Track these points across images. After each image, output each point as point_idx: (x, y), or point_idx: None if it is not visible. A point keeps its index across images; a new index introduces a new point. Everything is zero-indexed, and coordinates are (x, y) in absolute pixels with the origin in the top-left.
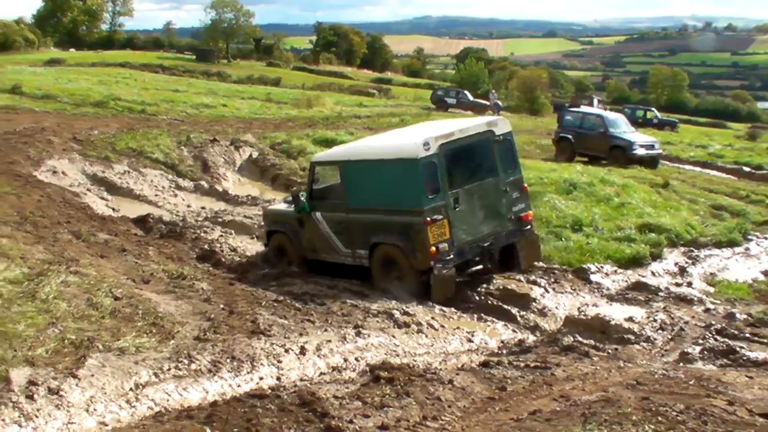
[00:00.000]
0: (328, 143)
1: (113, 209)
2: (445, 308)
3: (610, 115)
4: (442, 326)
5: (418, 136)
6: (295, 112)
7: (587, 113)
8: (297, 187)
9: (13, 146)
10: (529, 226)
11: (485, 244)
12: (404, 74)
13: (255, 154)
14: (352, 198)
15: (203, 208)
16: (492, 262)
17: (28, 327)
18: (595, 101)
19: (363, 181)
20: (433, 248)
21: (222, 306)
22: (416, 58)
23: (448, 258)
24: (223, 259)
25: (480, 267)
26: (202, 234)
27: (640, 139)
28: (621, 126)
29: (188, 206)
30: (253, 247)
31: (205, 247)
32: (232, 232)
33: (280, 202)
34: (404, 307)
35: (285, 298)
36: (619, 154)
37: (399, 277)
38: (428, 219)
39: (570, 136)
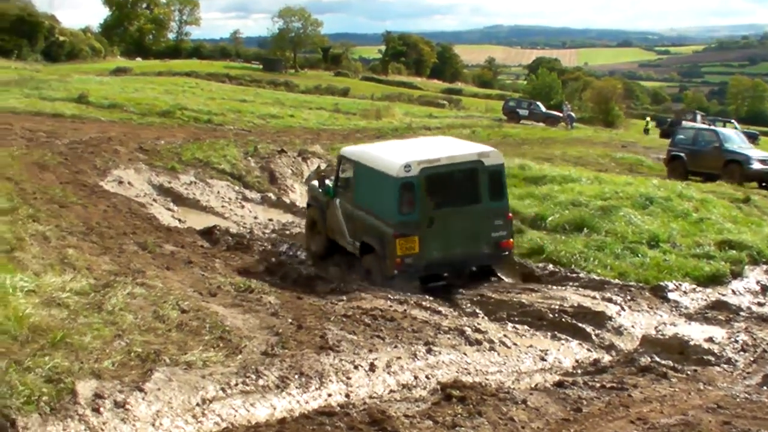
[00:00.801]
0: None
1: (179, 220)
2: (518, 325)
3: (725, 129)
4: (515, 344)
5: (407, 156)
6: (363, 123)
7: (700, 129)
8: (327, 172)
9: (79, 156)
10: (507, 252)
11: (456, 263)
12: (475, 85)
13: (323, 166)
14: (358, 195)
15: (270, 220)
16: (461, 278)
17: (94, 339)
18: (699, 117)
19: (364, 183)
20: (399, 259)
21: (290, 320)
22: (487, 68)
23: (413, 270)
24: (292, 273)
25: (443, 283)
26: (270, 246)
27: (757, 154)
28: (736, 141)
29: (255, 218)
30: (323, 261)
31: (273, 260)
32: (301, 244)
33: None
34: (476, 324)
35: (354, 313)
36: (735, 169)
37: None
38: (397, 233)
39: (682, 155)
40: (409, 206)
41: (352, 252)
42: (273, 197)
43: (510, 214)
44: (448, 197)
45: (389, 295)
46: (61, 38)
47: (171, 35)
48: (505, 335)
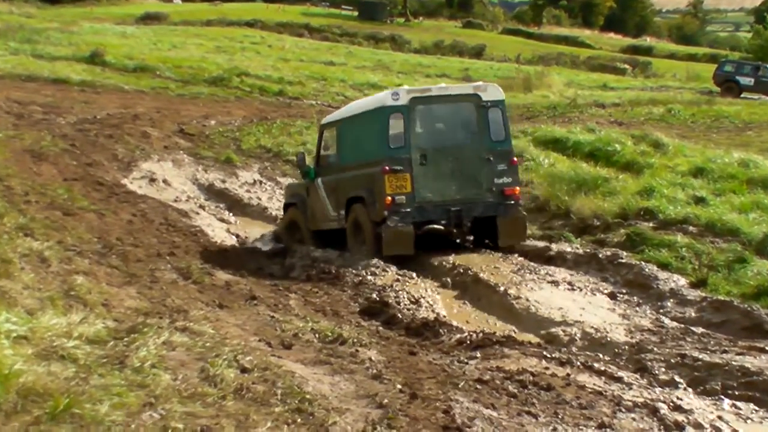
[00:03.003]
0: (557, 144)
1: (238, 236)
2: (739, 403)
3: None
4: (735, 431)
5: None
6: (505, 97)
7: None
8: (303, 152)
9: (92, 141)
10: (513, 202)
11: (454, 209)
12: (671, 40)
13: None
14: (343, 157)
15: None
16: (461, 228)
17: (114, 409)
18: None
19: (350, 138)
20: (389, 198)
21: (399, 386)
22: (691, 14)
23: (404, 211)
24: (400, 315)
25: (440, 228)
26: (369, 277)
27: None
28: None
29: None
30: (443, 297)
31: (374, 296)
32: (413, 274)
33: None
34: (675, 399)
35: (493, 377)
36: None
37: (363, 237)
38: (387, 168)
39: None
40: (398, 139)
41: (337, 227)
42: None
43: (515, 159)
44: (442, 133)
45: (545, 353)
46: None
47: None
48: (719, 417)
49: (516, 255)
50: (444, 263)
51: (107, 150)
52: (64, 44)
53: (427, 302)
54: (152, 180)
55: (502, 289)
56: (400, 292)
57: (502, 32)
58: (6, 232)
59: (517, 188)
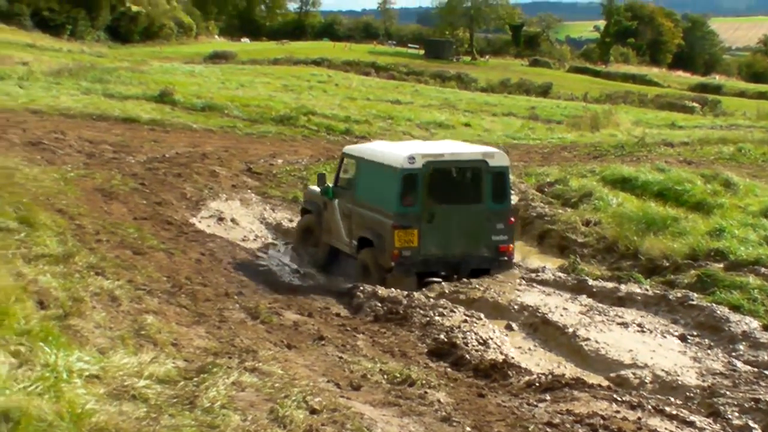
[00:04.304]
0: (625, 183)
1: (305, 275)
2: None
3: None
4: None
5: (411, 150)
6: (572, 135)
7: None
8: (324, 172)
9: (161, 180)
10: (506, 258)
11: (454, 262)
12: (742, 78)
13: (514, 200)
14: (359, 192)
15: (442, 276)
16: (458, 278)
17: None
18: None
19: (367, 179)
20: (396, 251)
21: (468, 429)
22: (761, 51)
23: (410, 263)
24: (468, 357)
25: (438, 280)
26: (437, 317)
27: None
28: None
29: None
30: (511, 338)
31: (441, 337)
32: (482, 315)
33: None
34: None
35: (563, 420)
36: None
37: (369, 273)
38: (396, 224)
39: None
40: (410, 199)
41: (349, 254)
42: None
43: (512, 219)
44: (449, 194)
45: (615, 396)
46: (135, 8)
47: (292, 5)
48: None
49: (584, 296)
50: (512, 304)
51: (176, 189)
52: (134, 83)
53: (496, 343)
54: (220, 219)
55: (570, 330)
56: (468, 333)
57: (569, 70)
58: (77, 270)
59: (511, 245)
